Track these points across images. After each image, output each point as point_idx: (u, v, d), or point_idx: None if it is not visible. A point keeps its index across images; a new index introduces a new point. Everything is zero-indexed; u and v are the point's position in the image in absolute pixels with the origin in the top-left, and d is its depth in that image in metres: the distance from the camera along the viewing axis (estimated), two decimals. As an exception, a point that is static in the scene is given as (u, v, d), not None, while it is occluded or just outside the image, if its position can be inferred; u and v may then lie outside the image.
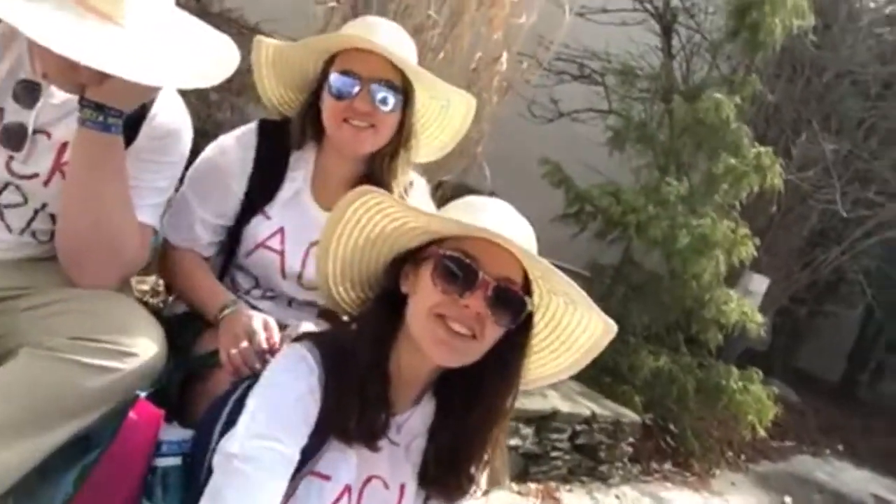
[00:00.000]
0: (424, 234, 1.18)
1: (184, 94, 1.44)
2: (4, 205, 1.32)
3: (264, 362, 1.32)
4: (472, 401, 1.20)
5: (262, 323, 1.40)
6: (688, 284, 4.09)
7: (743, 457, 4.90)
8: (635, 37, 4.81)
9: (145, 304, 1.83)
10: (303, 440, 1.11)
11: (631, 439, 3.56)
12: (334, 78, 1.52)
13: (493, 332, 1.15)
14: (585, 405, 3.30)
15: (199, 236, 1.57)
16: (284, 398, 1.12)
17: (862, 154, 5.51)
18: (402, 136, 1.60)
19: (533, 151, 4.10)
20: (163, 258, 1.60)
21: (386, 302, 1.20)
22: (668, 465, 4.11)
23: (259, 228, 1.58)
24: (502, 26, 2.74)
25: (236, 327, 1.39)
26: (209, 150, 1.61)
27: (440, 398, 1.25)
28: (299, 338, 1.25)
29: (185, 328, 1.49)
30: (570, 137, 4.60)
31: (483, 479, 1.25)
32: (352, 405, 1.13)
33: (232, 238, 1.61)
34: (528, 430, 2.89)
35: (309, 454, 1.12)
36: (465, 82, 2.76)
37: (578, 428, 3.19)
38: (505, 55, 2.72)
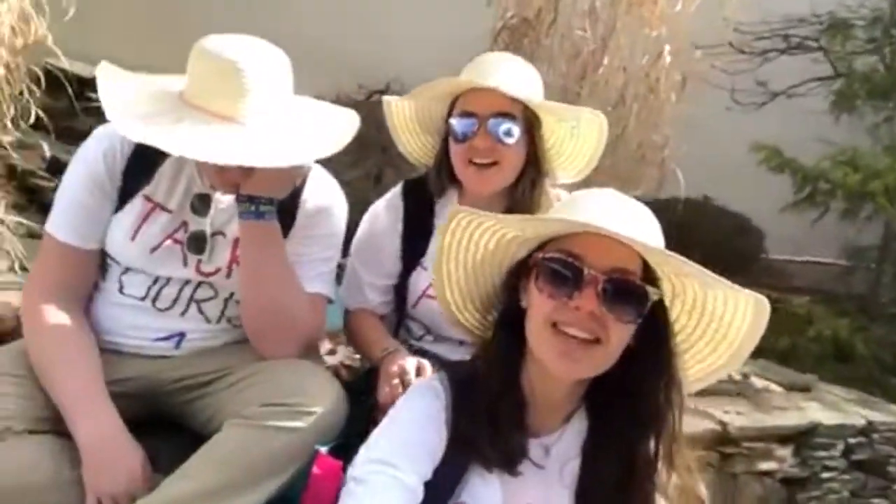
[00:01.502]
0: (527, 241, 1.13)
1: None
2: (201, 300, 1.54)
3: None
4: (630, 415, 1.10)
5: (415, 365, 1.44)
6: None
7: None
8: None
9: (347, 366, 2.01)
10: (424, 467, 1.10)
11: (930, 447, 2.93)
12: (454, 121, 1.58)
13: (619, 332, 1.05)
14: (858, 413, 2.79)
15: (371, 299, 1.70)
16: (407, 425, 1.14)
17: None
18: (536, 164, 1.60)
19: (743, 141, 3.72)
20: (345, 321, 1.74)
21: (508, 321, 1.16)
22: None
23: (419, 280, 1.67)
24: (660, 23, 2.59)
25: (390, 367, 1.46)
26: (364, 221, 1.75)
27: (595, 416, 1.16)
28: (439, 368, 1.26)
29: (368, 381, 1.58)
30: (783, 117, 4.08)
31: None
32: (482, 430, 1.10)
33: (398, 292, 1.71)
34: (784, 451, 2.50)
35: (450, 484, 1.11)
36: (633, 89, 2.65)
37: (852, 441, 2.70)
38: (667, 48, 2.55)
